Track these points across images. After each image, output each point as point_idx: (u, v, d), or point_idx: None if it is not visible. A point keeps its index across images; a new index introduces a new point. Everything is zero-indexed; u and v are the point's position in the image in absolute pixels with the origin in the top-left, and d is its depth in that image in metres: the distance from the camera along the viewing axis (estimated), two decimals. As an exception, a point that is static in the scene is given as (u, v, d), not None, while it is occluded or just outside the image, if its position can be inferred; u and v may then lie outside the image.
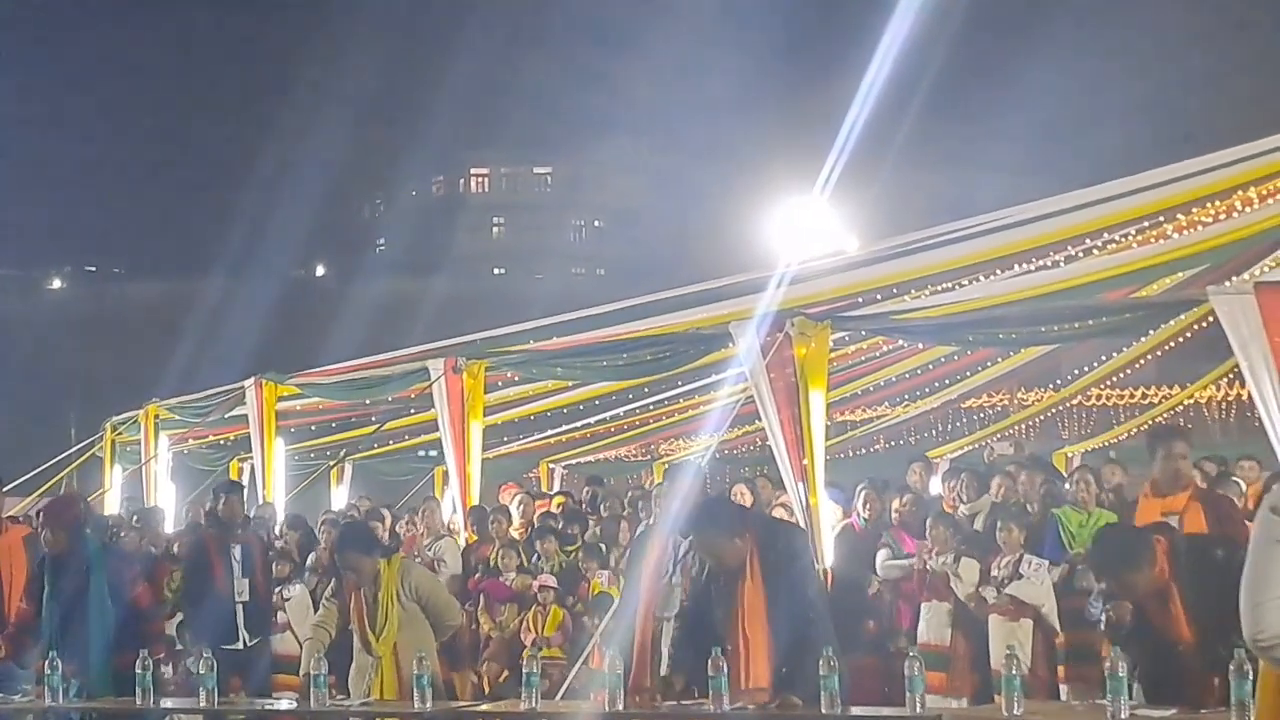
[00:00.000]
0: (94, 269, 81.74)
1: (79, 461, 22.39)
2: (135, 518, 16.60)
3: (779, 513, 13.12)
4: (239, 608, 12.25)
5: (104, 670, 10.37)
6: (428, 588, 10.12)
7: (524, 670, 8.16)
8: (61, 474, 21.67)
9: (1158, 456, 9.78)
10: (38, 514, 12.00)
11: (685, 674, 8.24)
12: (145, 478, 20.28)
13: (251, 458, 18.95)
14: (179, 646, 12.91)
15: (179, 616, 13.42)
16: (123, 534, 15.21)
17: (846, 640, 9.85)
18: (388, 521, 16.28)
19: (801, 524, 11.98)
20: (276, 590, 13.27)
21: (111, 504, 20.07)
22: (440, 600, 10.21)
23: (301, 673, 9.84)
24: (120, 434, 21.98)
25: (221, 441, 22.79)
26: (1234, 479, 12.79)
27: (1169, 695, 7.45)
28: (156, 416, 20.47)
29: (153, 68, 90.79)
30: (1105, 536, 8.42)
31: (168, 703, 9.94)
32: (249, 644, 12.20)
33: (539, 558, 14.23)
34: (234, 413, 19.31)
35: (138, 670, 8.36)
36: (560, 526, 15.20)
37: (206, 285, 59.67)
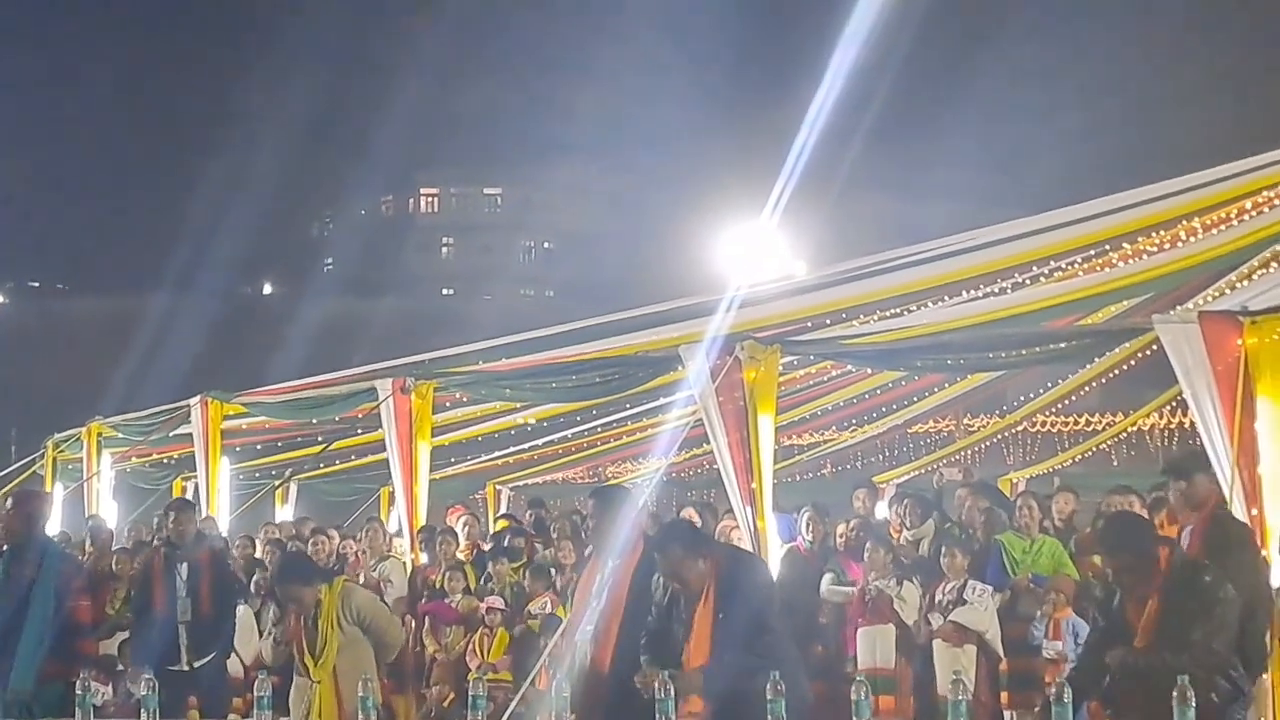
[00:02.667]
0: (37, 284, 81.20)
1: (20, 479, 22.15)
2: (90, 520, 16.48)
3: (734, 537, 13.13)
4: (182, 628, 12.10)
5: (28, 673, 10.32)
6: (369, 610, 10.09)
7: (470, 693, 8.12)
8: (2, 490, 21.49)
9: (1175, 487, 9.80)
10: (10, 500, 11.92)
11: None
12: (87, 496, 20.13)
13: (195, 476, 18.82)
14: (120, 667, 12.79)
15: (120, 636, 13.32)
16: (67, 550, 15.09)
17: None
18: (335, 541, 16.20)
19: (749, 547, 12.00)
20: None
21: (53, 522, 19.90)
22: (381, 621, 10.17)
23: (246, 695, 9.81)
24: (62, 451, 21.82)
25: (165, 460, 22.66)
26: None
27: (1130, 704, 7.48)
28: (99, 434, 20.33)
29: (100, 84, 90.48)
30: (1119, 519, 8.51)
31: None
32: (193, 665, 12.05)
33: (489, 579, 14.17)
34: (178, 431, 19.19)
35: (78, 692, 8.29)
36: (509, 546, 15.17)
37: (151, 302, 59.24)
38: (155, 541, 13.61)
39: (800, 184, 21.27)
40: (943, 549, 12.22)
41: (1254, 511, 10.59)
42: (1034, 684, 11.35)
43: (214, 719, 10.89)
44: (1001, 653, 11.80)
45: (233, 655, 13.04)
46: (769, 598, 8.55)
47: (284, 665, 10.12)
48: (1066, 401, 25.07)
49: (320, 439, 21.36)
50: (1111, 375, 21.87)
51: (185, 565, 12.24)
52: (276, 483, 23.23)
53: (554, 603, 13.16)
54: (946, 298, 16.84)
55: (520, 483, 26.94)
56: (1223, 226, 16.32)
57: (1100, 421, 31.00)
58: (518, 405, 19.00)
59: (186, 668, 11.92)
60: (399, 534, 15.98)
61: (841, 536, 13.38)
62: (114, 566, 14.41)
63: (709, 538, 9.40)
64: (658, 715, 7.54)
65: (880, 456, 29.24)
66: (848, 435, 26.71)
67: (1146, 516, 12.38)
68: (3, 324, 70.52)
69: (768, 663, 7.81)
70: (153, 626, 12.09)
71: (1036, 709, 11.00)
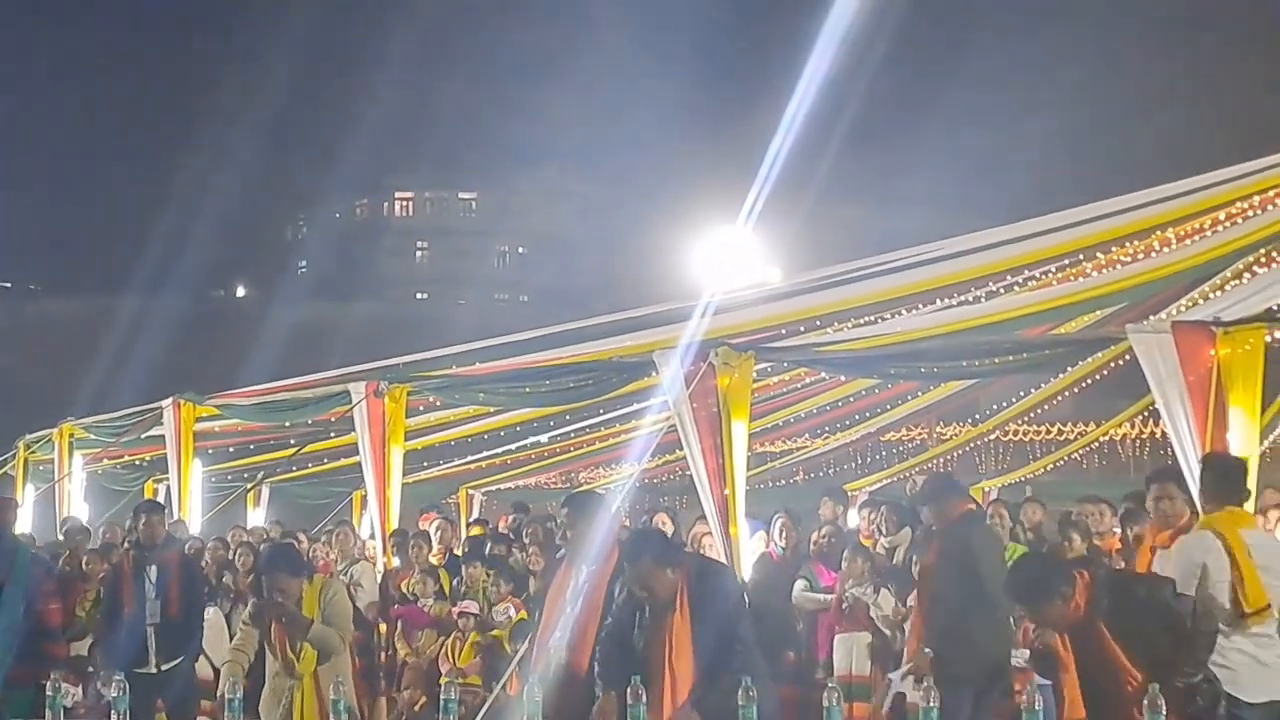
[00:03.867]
0: (9, 285, 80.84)
1: (-9, 480, 22.12)
2: (67, 521, 16.44)
3: (705, 542, 13.14)
4: (150, 630, 12.05)
5: None
6: (335, 609, 9.94)
7: (441, 697, 8.09)
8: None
9: (1150, 498, 9.72)
10: None
11: (618, 694, 8.20)
12: (58, 497, 20.05)
13: (168, 478, 18.76)
14: (90, 669, 12.74)
15: (90, 638, 13.27)
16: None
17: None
18: (303, 546, 16.15)
19: (722, 555, 12.01)
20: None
21: (23, 523, 19.82)
22: (336, 621, 9.97)
23: (218, 696, 9.71)
24: (33, 452, 21.74)
25: (137, 462, 22.59)
26: (1147, 514, 12.87)
27: None
28: (71, 435, 20.26)
29: (73, 85, 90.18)
30: (1021, 565, 8.45)
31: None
32: (160, 668, 12.00)
33: (462, 584, 14.13)
34: (151, 433, 19.14)
35: (48, 693, 8.24)
36: (491, 553, 15.14)
37: (124, 304, 59.05)
38: (125, 544, 13.55)
39: (775, 191, 21.36)
40: (914, 557, 12.23)
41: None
42: (1005, 692, 11.36)
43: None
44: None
45: (202, 658, 13.02)
46: (740, 606, 8.54)
47: (256, 667, 10.01)
48: (1039, 410, 25.14)
49: (293, 442, 21.32)
50: (1084, 385, 21.94)
51: (154, 568, 12.21)
52: (249, 485, 23.18)
53: (517, 608, 13.13)
54: (920, 306, 16.88)
55: (493, 487, 26.92)
56: (1196, 237, 16.39)
57: (1072, 431, 31.13)
58: (491, 410, 18.98)
59: (154, 670, 11.89)
60: (371, 537, 15.95)
61: (814, 544, 13.37)
62: (84, 568, 14.35)
63: (679, 547, 9.38)
64: (629, 720, 7.54)
65: (853, 464, 29.30)
66: (821, 442, 26.74)
67: (1118, 527, 12.47)
68: (-25, 324, 70.21)
69: (747, 671, 7.81)
70: (121, 629, 12.05)
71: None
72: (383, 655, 14.16)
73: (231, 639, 13.24)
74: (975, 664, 10.29)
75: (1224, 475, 8.71)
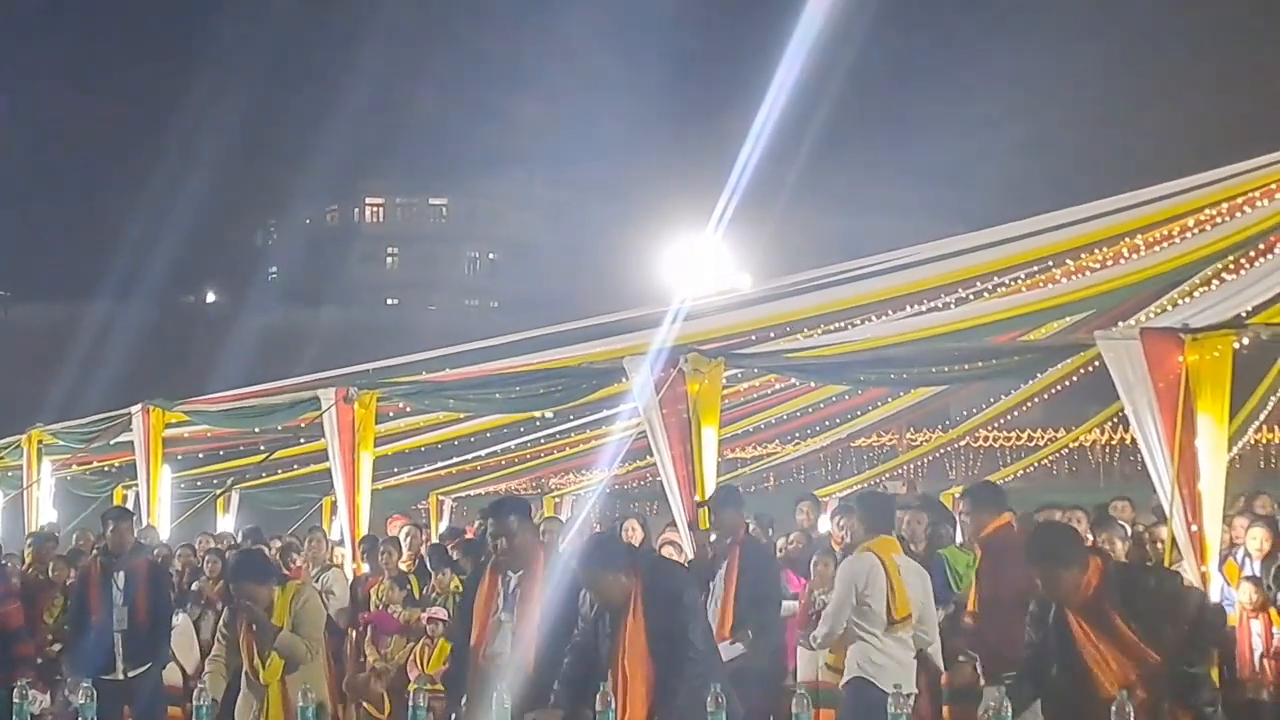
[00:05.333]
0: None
1: (-41, 486, 22.03)
2: (40, 530, 16.38)
3: (667, 550, 13.11)
4: (118, 637, 12.00)
5: None
6: (306, 615, 9.86)
7: (410, 703, 8.07)
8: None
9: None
10: None
11: (564, 711, 8.20)
12: (27, 503, 19.96)
13: (137, 484, 18.71)
14: (57, 676, 12.69)
15: (59, 645, 13.22)
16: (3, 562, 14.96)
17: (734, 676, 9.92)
18: (272, 553, 16.09)
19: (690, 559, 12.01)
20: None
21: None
22: (305, 629, 9.90)
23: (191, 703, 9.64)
24: (1, 459, 21.66)
25: (106, 468, 22.53)
26: (1120, 522, 12.92)
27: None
28: (40, 441, 20.18)
29: (42, 91, 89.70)
30: (1045, 530, 8.51)
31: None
32: (128, 675, 11.95)
33: (433, 590, 14.09)
34: (120, 439, 19.08)
35: (14, 700, 8.21)
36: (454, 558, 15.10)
37: (93, 310, 58.77)
38: (93, 550, 13.50)
39: (744, 197, 21.40)
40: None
41: (1194, 528, 10.69)
42: (975, 697, 11.35)
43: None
44: (943, 666, 11.80)
45: (171, 665, 12.97)
46: (693, 607, 8.54)
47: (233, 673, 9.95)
48: (1009, 417, 25.21)
49: (263, 448, 21.27)
50: (1054, 391, 22.01)
51: (122, 574, 12.16)
52: (218, 491, 23.12)
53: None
54: (890, 312, 16.91)
55: (463, 493, 26.89)
56: (1165, 244, 16.47)
57: (1042, 437, 31.22)
58: (461, 416, 18.96)
59: (122, 677, 11.84)
60: (340, 543, 15.90)
61: (782, 550, 13.36)
62: (51, 574, 14.30)
63: (631, 550, 9.35)
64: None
65: (823, 470, 29.33)
66: (791, 449, 26.78)
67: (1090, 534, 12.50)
68: (-57, 330, 69.83)
69: (706, 674, 7.82)
70: (88, 636, 12.00)
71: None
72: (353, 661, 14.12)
73: (200, 645, 13.22)
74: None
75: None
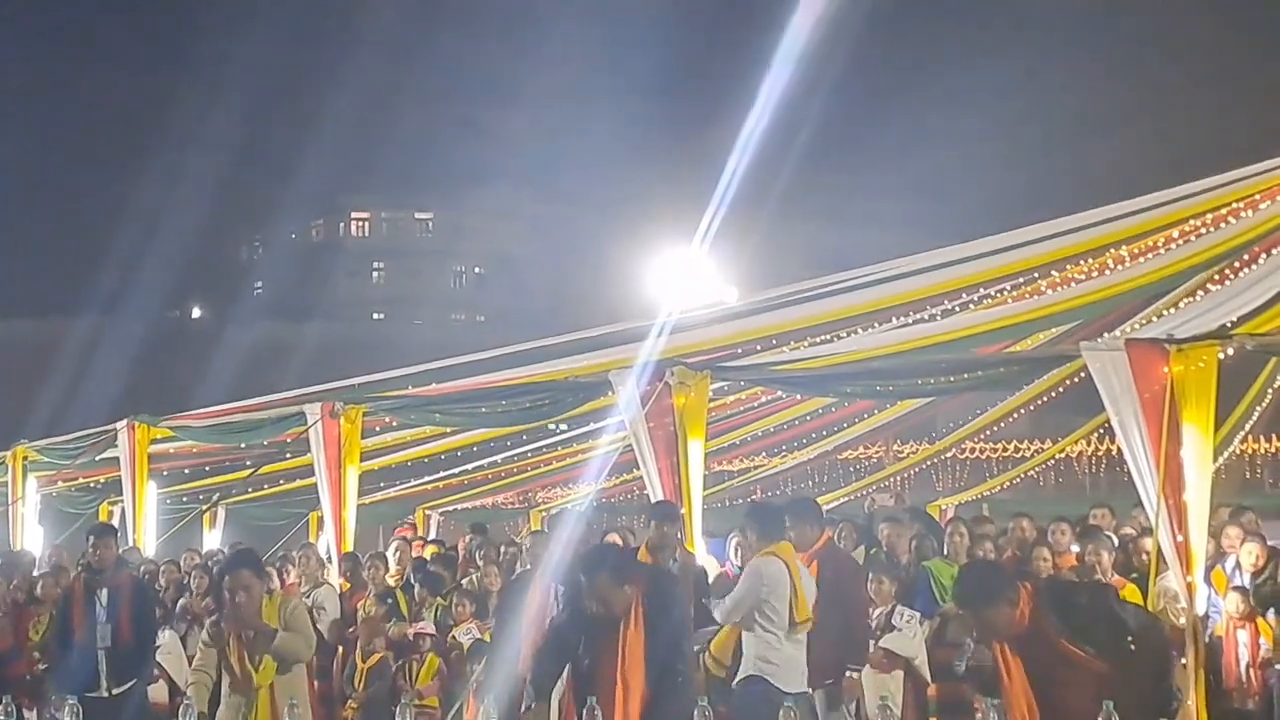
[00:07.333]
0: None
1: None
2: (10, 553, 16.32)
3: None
4: (101, 654, 11.95)
5: None
6: (295, 622, 9.82)
7: (396, 717, 8.05)
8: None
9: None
10: None
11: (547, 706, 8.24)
12: (11, 520, 19.90)
13: (122, 501, 18.67)
14: (42, 693, 12.64)
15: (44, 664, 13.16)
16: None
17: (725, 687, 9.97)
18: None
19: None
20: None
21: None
22: (298, 627, 9.84)
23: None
24: (-13, 475, 21.58)
25: (92, 484, 22.48)
26: (1106, 533, 12.94)
27: None
28: (25, 458, 20.13)
29: (28, 105, 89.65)
30: (968, 572, 8.51)
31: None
32: (112, 692, 11.90)
33: (417, 604, 14.07)
34: (105, 455, 19.03)
35: (1, 717, 8.19)
36: (434, 571, 15.09)
37: (79, 326, 58.67)
38: (77, 568, 13.46)
39: (731, 210, 21.39)
40: (870, 575, 12.22)
41: (1179, 538, 10.69)
42: (962, 710, 11.35)
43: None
44: (929, 678, 11.80)
45: (158, 681, 12.94)
46: (686, 618, 8.57)
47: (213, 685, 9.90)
48: (995, 428, 25.22)
49: (249, 463, 21.22)
50: (1040, 402, 22.02)
51: (105, 591, 12.12)
52: (205, 507, 23.07)
53: (481, 630, 13.07)
54: (876, 324, 16.91)
55: (450, 507, 26.85)
56: (1150, 255, 16.49)
57: (1029, 448, 31.23)
58: (448, 430, 18.94)
59: (106, 694, 11.79)
60: (330, 559, 15.88)
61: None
62: (38, 591, 14.25)
63: (634, 561, 9.37)
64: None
65: (810, 482, 29.32)
66: (778, 461, 26.76)
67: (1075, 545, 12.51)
68: (-73, 347, 69.56)
69: (693, 687, 7.84)
70: (72, 653, 11.96)
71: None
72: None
73: (189, 660, 13.18)
74: None
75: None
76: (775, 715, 6.97)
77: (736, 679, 10.09)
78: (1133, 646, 7.55)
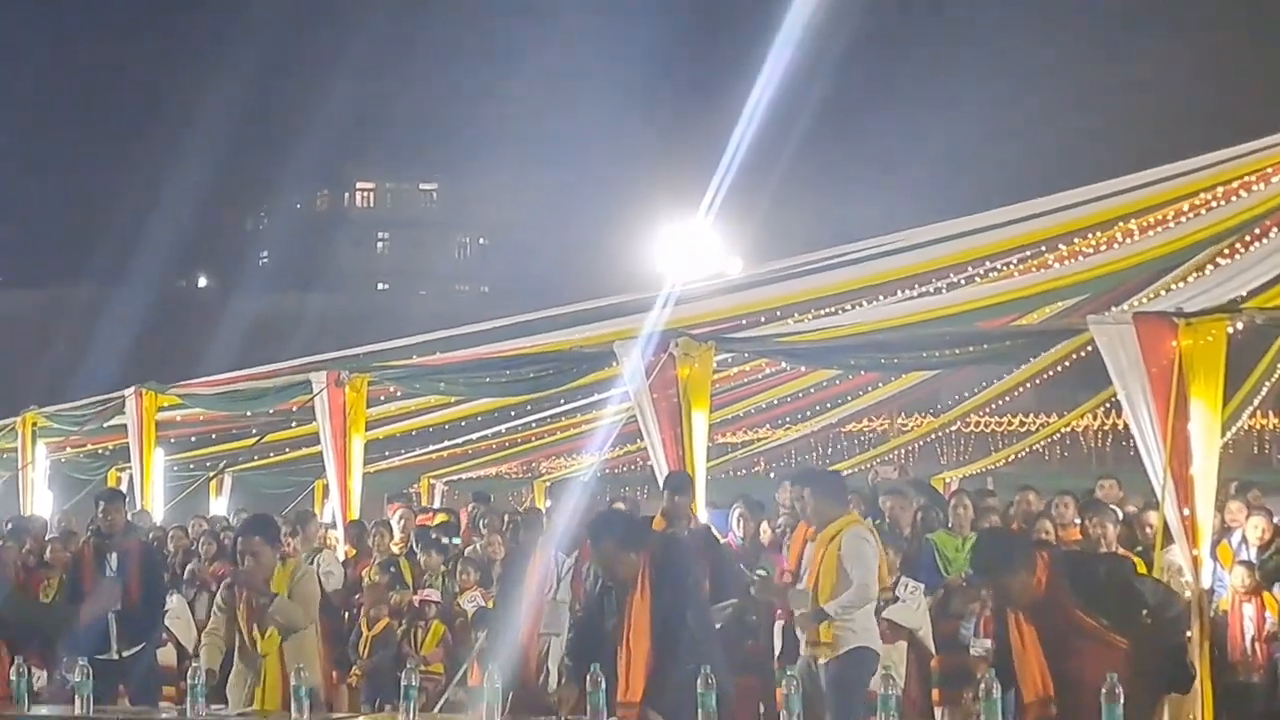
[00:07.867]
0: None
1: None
2: (9, 524, 16.36)
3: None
4: (111, 617, 12.01)
5: None
6: (302, 589, 9.82)
7: (402, 683, 8.09)
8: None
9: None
10: None
11: (578, 686, 8.22)
12: (21, 485, 19.98)
13: (130, 467, 18.73)
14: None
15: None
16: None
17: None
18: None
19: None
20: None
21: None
22: (304, 598, 9.84)
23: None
24: (-3, 441, 21.65)
25: (100, 450, 22.53)
26: (1111, 506, 12.93)
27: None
28: (34, 424, 20.19)
29: (32, 75, 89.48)
30: (986, 539, 8.52)
31: (42, 710, 9.72)
32: (122, 654, 11.97)
33: (422, 572, 14.09)
34: (113, 422, 19.09)
35: (13, 677, 8.24)
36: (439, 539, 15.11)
37: (86, 294, 58.69)
38: (86, 532, 13.52)
39: (736, 181, 21.37)
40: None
41: (1185, 512, 10.70)
42: (965, 680, 11.39)
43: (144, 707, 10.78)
44: (933, 649, 11.83)
45: (166, 645, 13.02)
46: (695, 585, 8.58)
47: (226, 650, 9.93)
48: (1000, 402, 25.21)
49: (254, 431, 21.28)
50: (1046, 376, 22.00)
51: (115, 555, 12.20)
52: (211, 475, 23.13)
53: (485, 597, 13.11)
54: (881, 297, 16.92)
55: (454, 477, 26.89)
56: (1159, 228, 16.47)
57: (1034, 422, 31.13)
58: (452, 400, 18.97)
59: (116, 657, 11.87)
60: (333, 526, 15.92)
61: (766, 534, 13.34)
62: (48, 556, 14.32)
63: (643, 527, 9.36)
64: (588, 708, 7.56)
65: (814, 455, 29.28)
66: (782, 433, 26.77)
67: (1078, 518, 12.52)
68: (-63, 315, 69.57)
69: (698, 655, 7.85)
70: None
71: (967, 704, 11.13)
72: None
73: (196, 625, 13.25)
74: None
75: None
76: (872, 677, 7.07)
77: (844, 649, 9.78)
78: (1149, 620, 7.57)
